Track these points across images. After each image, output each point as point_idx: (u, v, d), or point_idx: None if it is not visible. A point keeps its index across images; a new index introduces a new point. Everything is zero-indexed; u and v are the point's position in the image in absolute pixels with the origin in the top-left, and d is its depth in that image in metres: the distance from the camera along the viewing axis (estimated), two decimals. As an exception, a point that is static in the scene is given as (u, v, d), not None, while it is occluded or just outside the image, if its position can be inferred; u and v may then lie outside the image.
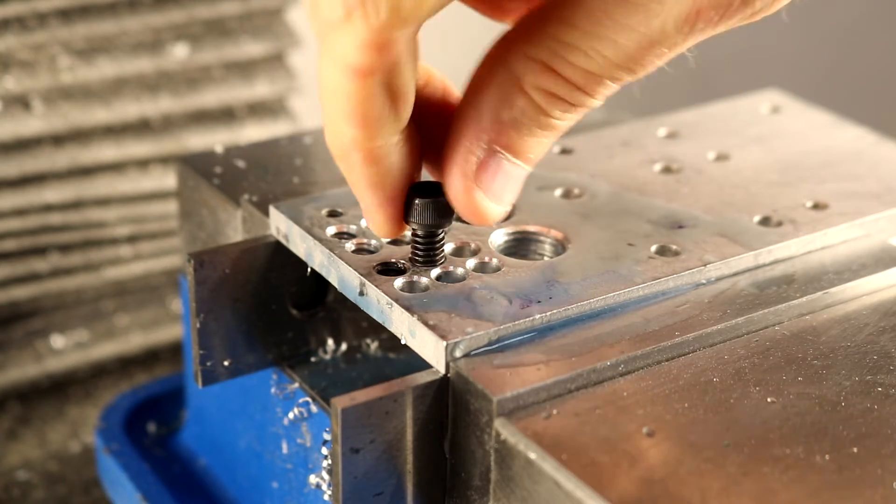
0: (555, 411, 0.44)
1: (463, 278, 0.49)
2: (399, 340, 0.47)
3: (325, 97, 0.43)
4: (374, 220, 0.47)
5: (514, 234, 0.53)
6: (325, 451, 0.51)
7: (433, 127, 0.47)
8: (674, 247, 0.51)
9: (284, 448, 0.54)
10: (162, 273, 0.81)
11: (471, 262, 0.50)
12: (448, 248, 0.50)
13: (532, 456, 0.42)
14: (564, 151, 0.59)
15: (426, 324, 0.46)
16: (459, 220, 0.48)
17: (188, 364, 0.62)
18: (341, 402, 0.44)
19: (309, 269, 0.52)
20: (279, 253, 0.52)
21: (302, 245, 0.51)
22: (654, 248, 0.51)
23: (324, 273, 0.50)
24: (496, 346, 0.46)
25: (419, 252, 0.49)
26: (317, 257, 0.50)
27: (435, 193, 0.47)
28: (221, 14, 0.77)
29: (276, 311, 0.53)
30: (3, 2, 0.71)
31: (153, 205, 0.78)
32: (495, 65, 0.45)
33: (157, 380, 0.70)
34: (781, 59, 1.32)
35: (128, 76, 0.76)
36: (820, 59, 1.35)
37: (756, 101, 0.66)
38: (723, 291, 0.50)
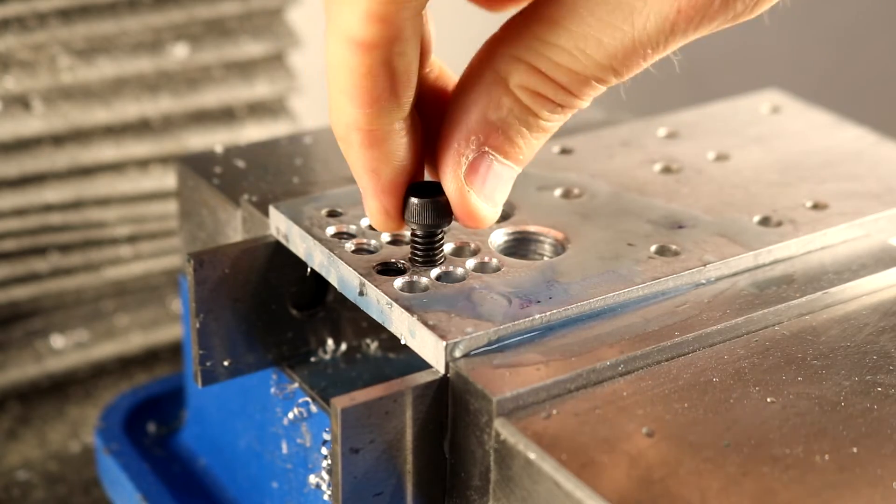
0: (554, 411, 0.44)
1: (463, 278, 0.49)
2: (399, 340, 0.47)
3: (329, 73, 0.43)
4: (369, 207, 0.47)
5: (513, 234, 0.53)
6: (324, 451, 0.51)
7: (438, 123, 0.47)
8: (674, 247, 0.51)
9: (284, 448, 0.54)
10: (162, 273, 0.81)
11: (470, 262, 0.50)
12: (448, 248, 0.50)
13: (532, 456, 0.42)
14: (564, 151, 0.59)
15: (426, 324, 0.46)
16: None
17: (188, 364, 0.62)
18: (341, 402, 0.44)
19: (309, 269, 0.52)
20: (279, 253, 0.52)
21: (302, 245, 0.51)
22: (653, 248, 0.51)
23: (323, 273, 0.50)
24: (496, 346, 0.46)
25: (419, 252, 0.49)
26: (316, 257, 0.50)
27: (434, 193, 0.47)
28: (221, 14, 0.77)
29: (276, 311, 0.53)
30: (3, 2, 0.71)
31: (153, 205, 0.78)
32: (483, 66, 0.45)
33: (157, 380, 0.70)
34: (781, 59, 1.32)
35: (128, 76, 0.76)
36: (820, 59, 1.36)
37: (756, 101, 0.66)
38: (722, 291, 0.50)
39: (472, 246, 0.51)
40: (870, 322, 0.49)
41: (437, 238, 0.49)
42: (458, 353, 0.45)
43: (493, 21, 0.49)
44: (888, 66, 1.37)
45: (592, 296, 0.48)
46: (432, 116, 0.47)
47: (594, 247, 0.51)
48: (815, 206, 0.55)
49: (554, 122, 0.45)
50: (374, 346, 0.55)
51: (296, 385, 0.53)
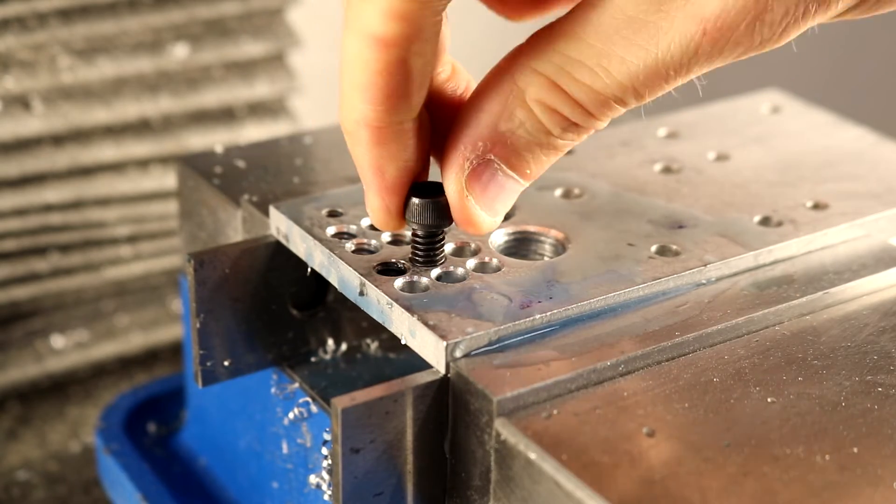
0: (555, 411, 0.44)
1: (463, 278, 0.49)
2: (399, 340, 0.47)
3: (343, 68, 0.43)
4: (371, 205, 0.47)
5: (514, 234, 0.53)
6: (325, 451, 0.51)
7: (447, 123, 0.47)
8: (674, 247, 0.51)
9: (284, 448, 0.54)
10: (162, 273, 0.81)
11: (471, 262, 0.50)
12: (448, 248, 0.50)
13: (532, 456, 0.42)
14: (564, 151, 0.59)
15: (426, 324, 0.46)
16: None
17: (188, 364, 0.62)
18: (341, 402, 0.44)
19: (309, 269, 0.52)
20: (279, 253, 0.52)
21: (302, 245, 0.51)
22: (654, 248, 0.51)
23: (324, 273, 0.50)
24: (496, 346, 0.46)
25: (419, 252, 0.49)
26: (317, 257, 0.50)
27: (435, 194, 0.47)
28: (221, 14, 0.77)
29: (276, 311, 0.53)
30: (3, 2, 0.71)
31: (153, 205, 0.78)
32: (501, 75, 0.45)
33: (157, 380, 0.70)
34: (781, 59, 1.32)
35: (128, 76, 0.76)
36: (820, 59, 1.35)
37: (756, 101, 0.66)
38: (723, 291, 0.50)
39: (473, 246, 0.51)
40: (870, 322, 0.49)
41: (437, 238, 0.49)
42: (458, 353, 0.45)
43: (503, 23, 0.49)
44: (888, 66, 1.37)
45: (593, 296, 0.48)
46: (441, 116, 0.47)
47: (594, 247, 0.51)
48: (816, 206, 0.55)
49: (566, 140, 0.45)
50: (374, 346, 0.55)
51: (296, 385, 0.53)
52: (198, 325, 0.51)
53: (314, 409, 0.52)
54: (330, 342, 0.55)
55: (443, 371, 0.45)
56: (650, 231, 0.53)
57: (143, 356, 0.79)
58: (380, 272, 0.49)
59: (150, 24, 0.75)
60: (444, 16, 0.44)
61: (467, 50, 0.55)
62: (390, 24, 0.41)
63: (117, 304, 0.79)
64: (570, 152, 0.59)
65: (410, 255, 0.49)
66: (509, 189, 0.46)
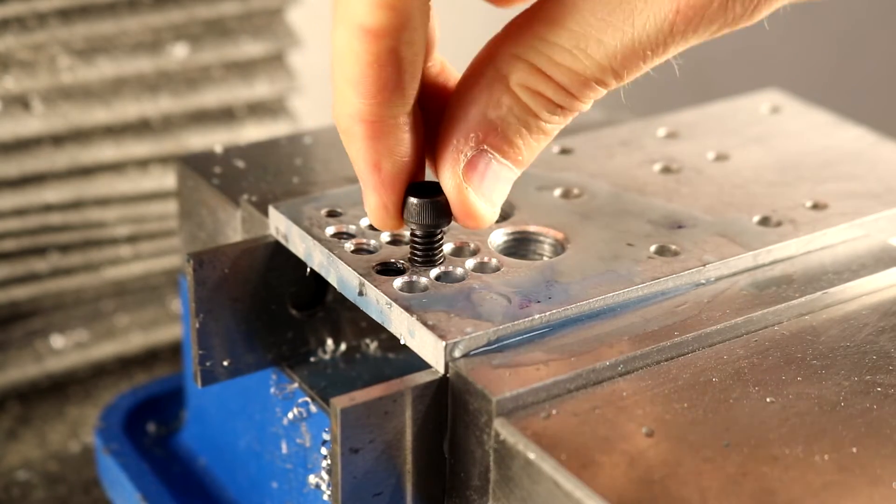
0: (554, 411, 0.44)
1: (462, 278, 0.49)
2: (398, 340, 0.47)
3: (335, 63, 0.43)
4: (369, 203, 0.47)
5: (513, 234, 0.53)
6: (324, 451, 0.51)
7: (439, 118, 0.47)
8: (673, 247, 0.51)
9: (284, 448, 0.54)
10: (162, 273, 0.81)
11: (470, 262, 0.50)
12: (447, 248, 0.50)
13: (531, 456, 0.42)
14: (564, 151, 0.59)
15: (425, 324, 0.46)
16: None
17: (188, 364, 0.62)
18: (341, 402, 0.44)
19: (308, 269, 0.52)
20: (279, 253, 0.52)
21: (301, 245, 0.51)
22: (653, 248, 0.51)
23: (323, 273, 0.50)
24: (495, 346, 0.46)
25: (418, 252, 0.49)
26: (316, 257, 0.50)
27: (433, 194, 0.47)
28: (221, 14, 0.77)
29: (276, 311, 0.53)
30: (3, 2, 0.71)
31: (153, 205, 0.78)
32: (484, 64, 0.45)
33: (157, 380, 0.70)
34: (781, 59, 1.32)
35: (128, 76, 0.76)
36: (820, 59, 1.35)
37: (756, 101, 0.66)
38: (722, 291, 0.50)
39: (472, 246, 0.51)
40: (869, 322, 0.49)
41: (436, 238, 0.49)
42: (457, 353, 0.45)
43: (496, 18, 0.49)
44: (888, 66, 1.37)
45: (592, 296, 0.48)
46: (434, 113, 0.47)
47: (594, 247, 0.51)
48: (815, 206, 0.55)
49: (553, 123, 0.45)
50: (373, 346, 0.55)
51: (295, 385, 0.53)
52: (197, 325, 0.51)
53: (313, 409, 0.52)
54: (329, 342, 0.55)
55: (442, 371, 0.45)
56: (649, 231, 0.53)
57: (142, 356, 0.79)
58: (379, 272, 0.49)
59: (149, 24, 0.75)
60: (431, 9, 0.44)
61: (453, 48, 0.55)
62: (379, 13, 0.42)
63: (117, 304, 0.79)
64: (569, 152, 0.59)
65: (409, 256, 0.49)
66: (504, 178, 0.46)
